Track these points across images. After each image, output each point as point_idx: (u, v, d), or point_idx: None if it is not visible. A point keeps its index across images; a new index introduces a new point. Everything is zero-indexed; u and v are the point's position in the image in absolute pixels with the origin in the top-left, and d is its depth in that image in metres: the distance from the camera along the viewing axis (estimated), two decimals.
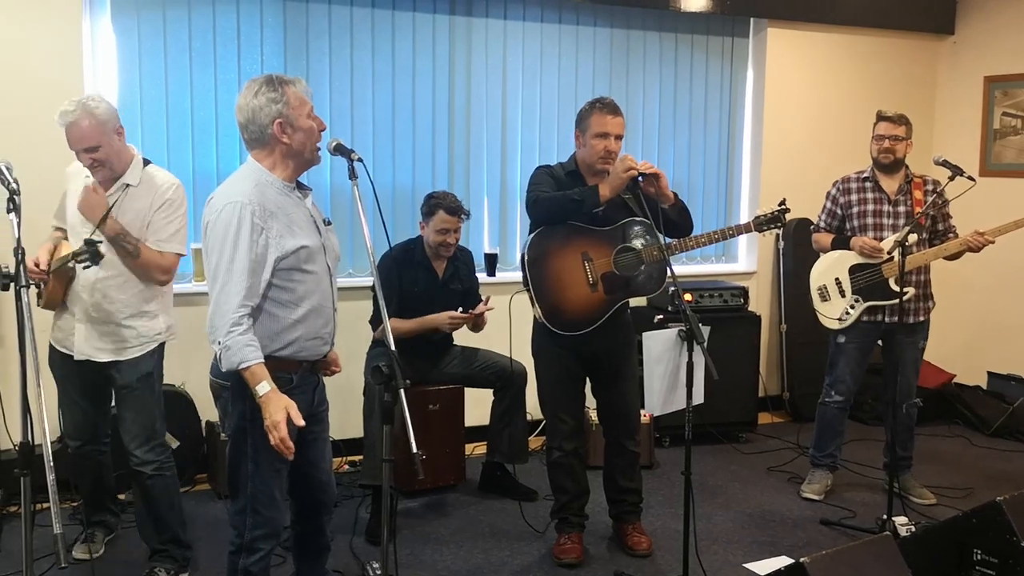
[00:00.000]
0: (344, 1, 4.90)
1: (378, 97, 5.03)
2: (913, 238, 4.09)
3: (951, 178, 4.02)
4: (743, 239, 6.04)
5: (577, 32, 5.47)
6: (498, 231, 5.42)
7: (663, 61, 5.70)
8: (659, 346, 3.19)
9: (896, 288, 4.10)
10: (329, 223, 2.82)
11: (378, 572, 2.94)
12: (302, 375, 2.75)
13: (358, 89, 4.97)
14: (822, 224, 4.52)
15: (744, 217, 6.04)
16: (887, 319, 4.25)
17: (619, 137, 3.63)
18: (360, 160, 2.70)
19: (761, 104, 5.91)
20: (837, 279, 4.34)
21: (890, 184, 4.36)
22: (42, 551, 3.44)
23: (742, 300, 5.45)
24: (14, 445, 3.82)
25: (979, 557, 3.02)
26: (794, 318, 5.90)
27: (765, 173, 5.92)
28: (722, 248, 6.01)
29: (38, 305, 3.29)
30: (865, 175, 4.42)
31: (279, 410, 2.52)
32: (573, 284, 3.60)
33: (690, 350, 3.15)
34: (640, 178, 3.47)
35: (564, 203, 3.53)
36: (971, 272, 5.94)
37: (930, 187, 4.34)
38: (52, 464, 2.29)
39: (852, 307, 4.29)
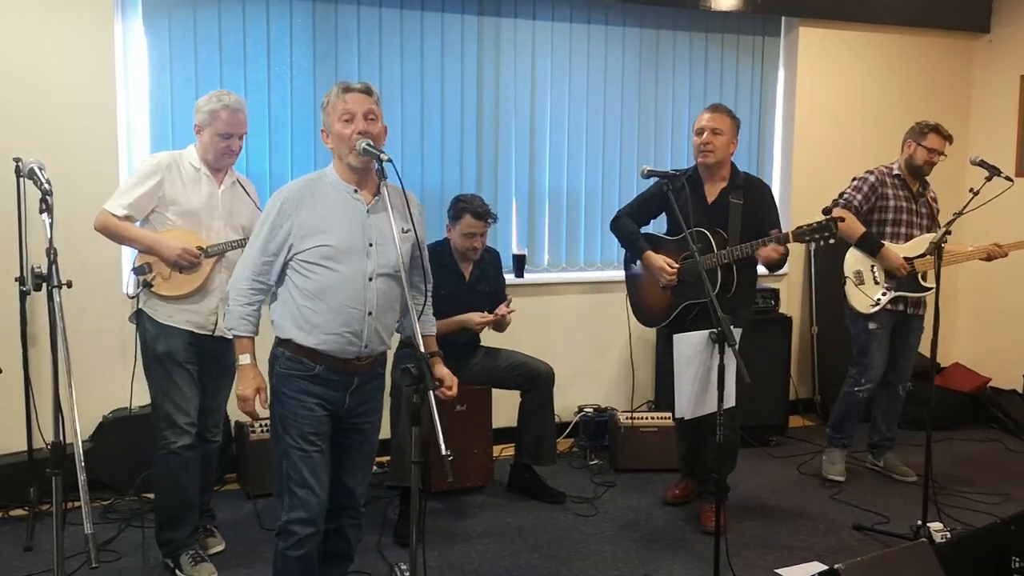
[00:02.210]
0: (373, 2, 4.91)
1: (407, 98, 5.03)
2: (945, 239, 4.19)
3: (988, 178, 3.99)
4: None
5: (606, 32, 5.44)
6: (526, 232, 5.41)
7: (693, 61, 5.66)
8: (690, 348, 3.15)
9: (925, 284, 4.48)
10: (407, 231, 2.82)
11: (406, 573, 2.94)
12: (328, 369, 2.78)
13: (387, 90, 4.97)
14: (855, 203, 4.55)
15: None
16: (909, 310, 4.56)
17: (714, 131, 3.98)
18: (390, 161, 2.69)
19: (792, 104, 5.85)
20: (873, 266, 4.53)
21: (913, 185, 4.62)
22: (72, 550, 3.47)
23: (773, 302, 5.41)
24: (46, 444, 3.89)
25: (1018, 565, 2.97)
26: (825, 321, 5.83)
27: (796, 173, 5.86)
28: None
29: (161, 293, 3.42)
30: (896, 172, 4.60)
31: (248, 386, 2.82)
32: (650, 286, 4.12)
33: (721, 352, 3.11)
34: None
35: (626, 240, 4.19)
36: (1007, 276, 5.85)
37: (932, 193, 4.68)
38: (83, 464, 2.30)
39: (884, 294, 4.51)
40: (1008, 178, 3.98)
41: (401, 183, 2.73)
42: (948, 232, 3.94)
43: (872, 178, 4.59)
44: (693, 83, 5.67)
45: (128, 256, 4.42)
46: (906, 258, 4.46)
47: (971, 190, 4.01)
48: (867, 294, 4.51)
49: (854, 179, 4.65)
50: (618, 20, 5.46)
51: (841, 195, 4.63)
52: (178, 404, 3.45)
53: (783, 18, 5.84)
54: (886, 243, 4.51)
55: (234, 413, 4.46)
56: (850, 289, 4.55)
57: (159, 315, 3.44)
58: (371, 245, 2.78)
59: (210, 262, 3.45)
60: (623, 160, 5.55)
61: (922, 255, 4.42)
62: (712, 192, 4.03)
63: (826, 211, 4.37)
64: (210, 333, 3.50)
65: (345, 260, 2.75)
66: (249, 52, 4.70)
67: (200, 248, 3.40)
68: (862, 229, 4.52)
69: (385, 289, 2.82)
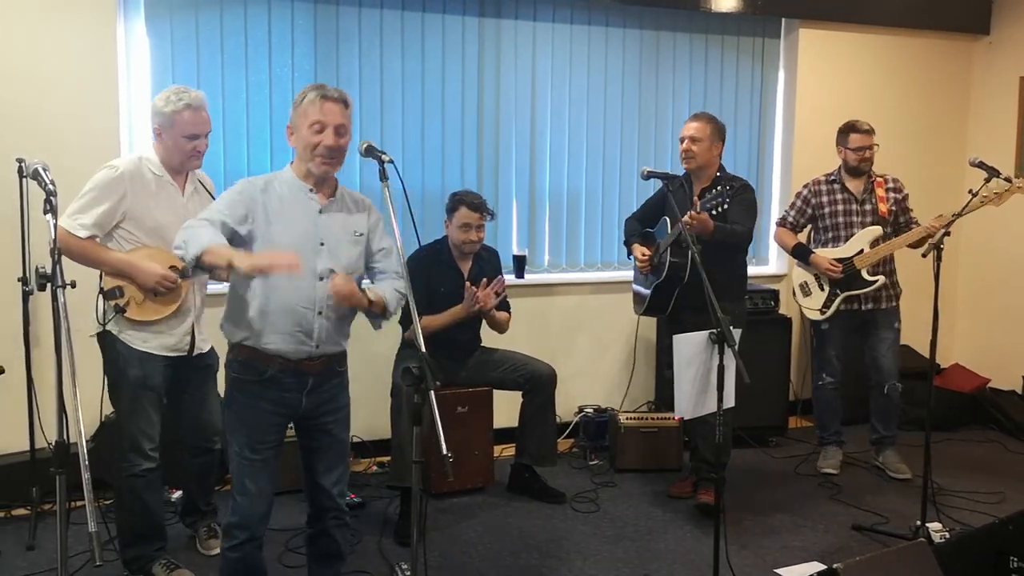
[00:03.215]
0: (374, 4, 4.92)
1: (408, 99, 5.04)
2: (878, 231, 4.60)
3: (987, 179, 4.01)
4: (773, 241, 5.96)
5: (606, 33, 5.46)
6: (527, 233, 5.42)
7: (693, 62, 5.68)
8: (690, 349, 3.16)
9: (868, 278, 4.60)
10: (359, 235, 2.86)
11: (407, 573, 2.94)
12: (280, 370, 2.78)
13: (388, 91, 4.99)
14: (790, 219, 4.91)
15: (775, 220, 5.98)
16: (862, 307, 4.67)
17: (693, 139, 4.20)
18: (391, 162, 2.71)
19: (792, 105, 5.86)
20: (816, 274, 4.75)
21: (856, 185, 4.74)
22: (75, 549, 3.47)
23: (772, 303, 5.42)
24: (48, 444, 3.91)
25: (1016, 564, 2.98)
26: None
27: (796, 174, 5.86)
28: (752, 251, 5.94)
29: (135, 319, 3.25)
30: (833, 178, 4.81)
31: (220, 259, 2.56)
32: (640, 276, 4.51)
33: (721, 353, 3.12)
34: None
35: (625, 238, 4.54)
36: (1006, 277, 5.86)
37: (890, 184, 4.73)
38: (87, 463, 2.31)
39: (832, 298, 4.66)
40: (1007, 179, 4.00)
41: (403, 183, 2.73)
42: (947, 233, 3.96)
43: (805, 191, 4.87)
44: (693, 84, 5.68)
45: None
46: (842, 258, 4.60)
47: (970, 191, 4.02)
48: (811, 305, 4.77)
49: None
50: (618, 21, 5.48)
51: (782, 212, 4.97)
52: (144, 430, 3.33)
53: (783, 19, 5.85)
54: (817, 249, 4.74)
55: None
56: (799, 300, 4.86)
57: (133, 340, 3.28)
58: (322, 244, 2.78)
59: (186, 283, 3.33)
60: (623, 161, 5.56)
61: (859, 252, 4.58)
62: (698, 189, 4.26)
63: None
64: (186, 354, 3.40)
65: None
66: (251, 53, 4.72)
67: (175, 269, 3.22)
68: (792, 242, 4.86)
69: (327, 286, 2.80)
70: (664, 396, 5.23)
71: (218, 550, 3.72)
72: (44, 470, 3.67)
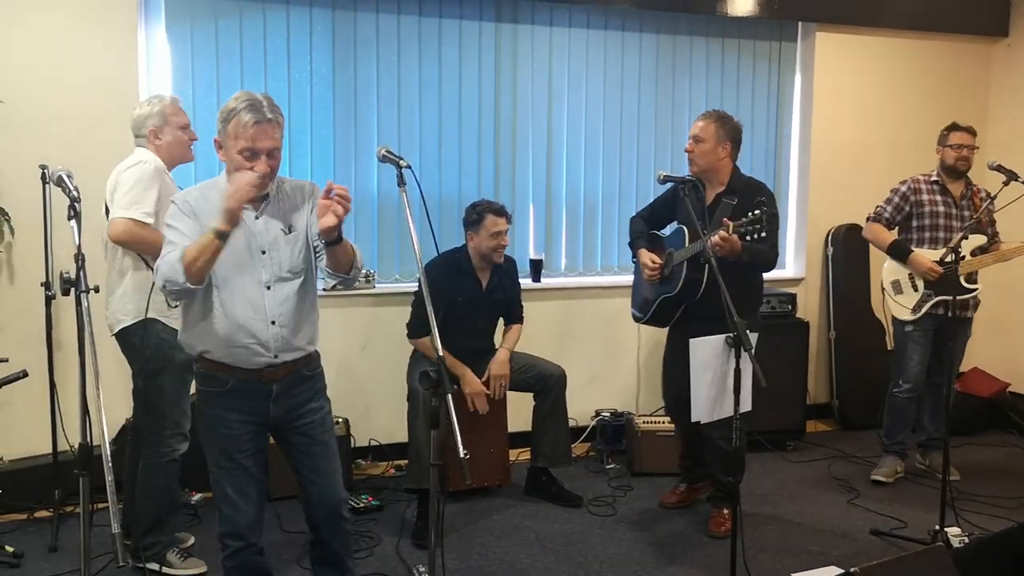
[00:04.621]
0: (392, 10, 4.96)
1: (425, 104, 5.07)
2: (983, 240, 4.47)
3: (1006, 183, 3.99)
4: (791, 245, 5.98)
5: (623, 38, 5.47)
6: (543, 237, 5.43)
7: (710, 66, 5.68)
8: (706, 352, 3.17)
9: (967, 285, 4.46)
10: (289, 231, 2.77)
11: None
12: (242, 380, 2.75)
13: (405, 97, 5.02)
14: (886, 215, 4.68)
15: (792, 224, 5.98)
16: (950, 313, 4.43)
17: (696, 139, 4.04)
18: (408, 167, 2.72)
19: (809, 109, 5.85)
20: (910, 274, 4.58)
21: (956, 189, 4.58)
22: (96, 551, 3.52)
23: (790, 307, 5.40)
24: (70, 447, 3.95)
25: None
26: (843, 325, 5.83)
27: (813, 179, 5.86)
28: None
29: None
30: (934, 179, 4.62)
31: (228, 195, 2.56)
32: (643, 281, 4.28)
33: (738, 357, 3.12)
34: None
35: (630, 238, 4.34)
36: None
37: (983, 195, 4.56)
38: (111, 464, 2.34)
39: (925, 300, 4.53)
40: None
41: (420, 188, 2.74)
42: (964, 238, 3.97)
43: (904, 188, 4.67)
44: (710, 89, 5.68)
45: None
46: (944, 261, 4.43)
47: (987, 197, 4.01)
48: (903, 303, 4.61)
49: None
50: (635, 26, 5.48)
51: (876, 207, 4.73)
52: (186, 412, 3.48)
53: (800, 23, 5.84)
54: (917, 249, 4.56)
55: None
56: (890, 297, 4.68)
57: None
58: (264, 252, 2.73)
59: None
60: (640, 165, 5.56)
61: (962, 257, 4.35)
62: (710, 195, 4.06)
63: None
64: None
65: (234, 272, 2.71)
66: (270, 59, 4.76)
67: None
68: (890, 239, 4.63)
69: (288, 293, 2.76)
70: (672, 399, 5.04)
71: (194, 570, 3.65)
72: (66, 472, 3.73)
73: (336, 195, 2.51)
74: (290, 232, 2.77)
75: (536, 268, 5.31)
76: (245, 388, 2.75)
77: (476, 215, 4.30)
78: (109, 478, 2.33)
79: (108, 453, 2.35)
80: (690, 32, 5.61)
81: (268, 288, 2.73)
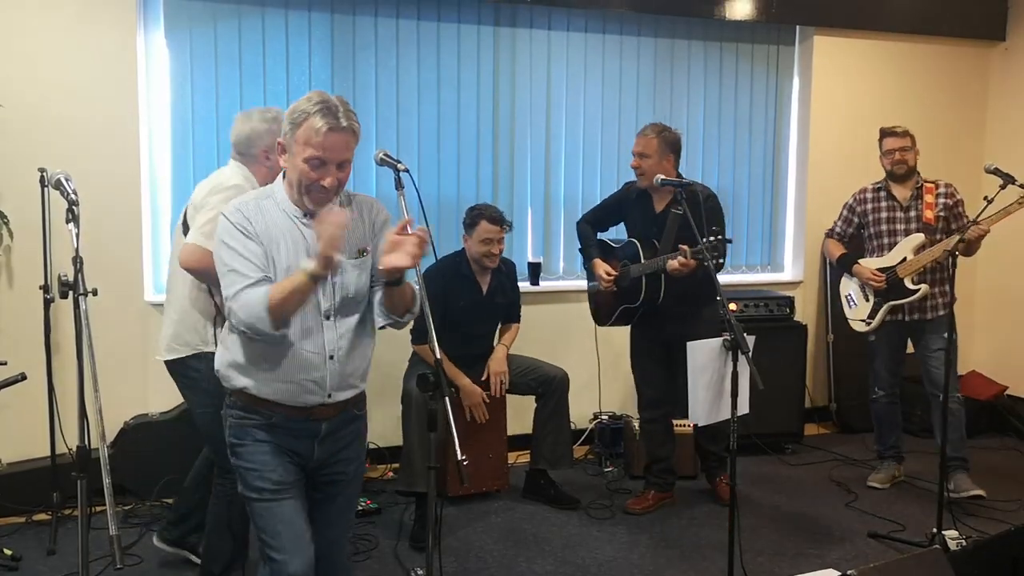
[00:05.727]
0: (390, 14, 4.97)
1: (423, 108, 5.08)
2: (921, 239, 4.46)
3: (1002, 186, 3.99)
4: (789, 248, 5.99)
5: (621, 42, 5.48)
6: (542, 241, 5.44)
7: (708, 70, 5.69)
8: (704, 355, 3.18)
9: (911, 287, 4.47)
10: (364, 254, 2.49)
11: None
12: (287, 417, 2.43)
13: (404, 101, 5.03)
14: (837, 230, 4.83)
15: (790, 227, 5.99)
16: (907, 317, 4.54)
17: (640, 155, 4.16)
18: (407, 171, 2.70)
19: (807, 113, 5.86)
20: (861, 285, 4.66)
21: (902, 192, 4.61)
22: (95, 554, 3.52)
23: (788, 310, 5.42)
24: (69, 450, 3.96)
25: None
26: (841, 328, 5.80)
27: (811, 182, 5.87)
28: (768, 258, 5.97)
29: None
30: (879, 186, 4.69)
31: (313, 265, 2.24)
32: (603, 291, 4.42)
33: (735, 360, 3.13)
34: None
35: (581, 245, 4.52)
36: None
37: (942, 190, 4.58)
38: (109, 467, 2.34)
39: (876, 309, 4.57)
40: (1022, 186, 3.97)
41: (418, 192, 2.74)
42: (962, 240, 3.96)
43: (851, 200, 4.78)
44: (708, 92, 5.69)
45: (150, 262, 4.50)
46: (884, 268, 4.52)
47: (985, 198, 4.01)
48: (858, 316, 4.69)
49: None
50: (633, 30, 5.50)
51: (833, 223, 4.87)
52: None
53: (798, 27, 5.86)
54: (862, 260, 4.65)
55: None
56: (846, 313, 4.78)
57: None
58: (327, 277, 2.36)
59: None
60: None
61: (903, 260, 4.47)
62: (660, 203, 4.26)
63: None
64: None
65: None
66: (269, 63, 4.77)
67: None
68: (838, 253, 4.77)
69: (349, 325, 2.46)
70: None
71: None
72: (64, 475, 3.74)
73: (416, 235, 2.26)
74: (359, 256, 2.47)
75: (534, 271, 5.32)
76: (290, 425, 2.44)
77: (471, 219, 4.31)
78: (107, 481, 2.33)
79: (106, 456, 2.36)
80: (688, 36, 5.62)
81: (327, 318, 2.42)
